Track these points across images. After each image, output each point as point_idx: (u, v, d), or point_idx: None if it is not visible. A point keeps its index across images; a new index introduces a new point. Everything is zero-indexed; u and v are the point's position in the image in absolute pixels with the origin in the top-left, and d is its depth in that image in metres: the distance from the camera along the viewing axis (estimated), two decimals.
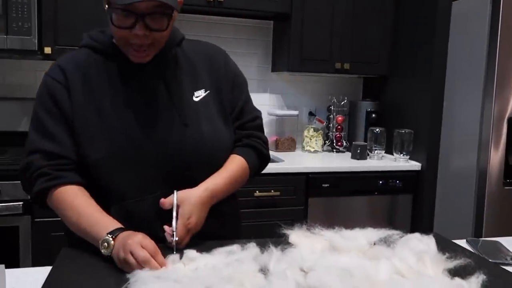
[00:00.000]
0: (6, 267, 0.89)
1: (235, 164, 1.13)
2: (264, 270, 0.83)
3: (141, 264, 0.84)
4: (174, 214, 0.98)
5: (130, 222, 0.99)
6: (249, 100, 1.22)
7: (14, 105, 2.49)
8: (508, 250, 1.10)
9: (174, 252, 0.93)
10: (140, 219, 1.03)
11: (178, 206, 1.00)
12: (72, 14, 2.29)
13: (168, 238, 0.97)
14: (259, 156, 1.19)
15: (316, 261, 0.86)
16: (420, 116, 2.62)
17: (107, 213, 1.00)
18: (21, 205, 1.99)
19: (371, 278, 0.80)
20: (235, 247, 0.90)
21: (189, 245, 0.95)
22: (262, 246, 0.92)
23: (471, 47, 2.36)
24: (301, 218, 2.39)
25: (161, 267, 0.85)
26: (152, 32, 0.98)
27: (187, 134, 1.06)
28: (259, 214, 2.33)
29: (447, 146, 2.54)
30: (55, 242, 1.83)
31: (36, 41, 2.19)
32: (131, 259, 0.85)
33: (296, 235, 0.97)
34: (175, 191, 1.01)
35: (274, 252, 0.89)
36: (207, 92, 1.13)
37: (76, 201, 1.01)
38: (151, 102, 1.06)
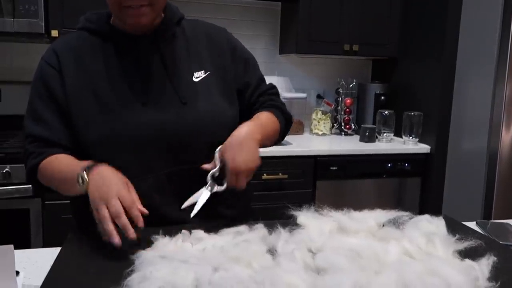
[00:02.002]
0: (17, 249, 0.90)
1: (264, 115, 1.13)
2: (272, 251, 0.83)
3: (112, 217, 0.83)
4: (218, 165, 0.98)
5: None
6: (262, 76, 1.22)
7: (22, 89, 2.50)
8: None
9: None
10: (140, 198, 1.01)
11: (221, 158, 0.98)
12: None
13: (212, 186, 0.97)
14: (283, 113, 1.19)
15: (325, 242, 0.85)
16: (429, 98, 2.58)
17: None
18: (31, 188, 2.01)
19: (379, 259, 0.80)
20: (242, 228, 0.90)
21: (196, 225, 0.95)
22: (270, 228, 0.92)
23: (484, 28, 2.32)
24: (309, 201, 2.39)
25: (137, 221, 0.84)
26: None
27: (185, 112, 1.05)
28: (267, 197, 2.33)
29: (457, 129, 2.51)
30: (66, 224, 1.84)
31: (43, 24, 2.18)
32: (103, 211, 0.84)
33: (304, 216, 0.97)
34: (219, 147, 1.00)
35: (282, 233, 0.89)
36: (207, 73, 1.11)
37: (56, 161, 1.02)
38: (148, 82, 1.06)
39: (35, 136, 1.05)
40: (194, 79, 1.09)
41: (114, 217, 0.83)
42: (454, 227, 0.98)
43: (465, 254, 0.85)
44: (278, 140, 1.20)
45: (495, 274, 0.78)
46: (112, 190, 0.86)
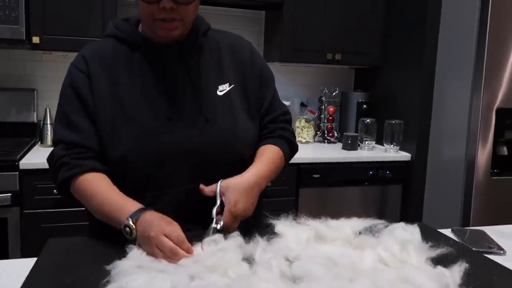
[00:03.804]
0: None
1: (272, 152, 1.13)
2: (249, 260, 0.84)
3: (169, 257, 0.85)
4: (218, 201, 0.98)
5: None
6: (276, 94, 1.23)
7: (4, 95, 2.47)
8: (492, 239, 1.11)
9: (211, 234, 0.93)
10: (161, 211, 0.99)
11: (222, 195, 0.99)
12: (61, 3, 2.26)
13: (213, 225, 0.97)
14: (290, 146, 1.20)
15: (301, 251, 0.86)
16: (410, 107, 2.63)
17: None
18: (9, 197, 1.98)
19: (355, 267, 0.81)
20: (217, 237, 0.91)
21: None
22: (248, 236, 0.93)
23: (461, 38, 2.37)
24: (292, 208, 2.40)
25: (189, 253, 0.85)
26: (179, 6, 0.98)
27: (209, 129, 1.05)
28: None
29: (437, 137, 2.56)
30: (44, 234, 1.82)
31: (24, 30, 2.16)
32: (158, 254, 0.85)
33: (282, 225, 0.97)
34: (220, 180, 1.01)
35: (260, 242, 0.90)
36: (231, 86, 1.12)
37: (98, 188, 1.01)
38: (173, 94, 1.06)
39: (66, 142, 1.04)
40: (218, 93, 1.10)
41: (171, 255, 0.85)
42: (429, 235, 0.99)
43: (437, 261, 0.87)
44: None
45: (467, 280, 0.79)
46: (158, 233, 0.87)
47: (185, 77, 1.07)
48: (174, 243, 0.85)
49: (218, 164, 1.06)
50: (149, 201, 1.01)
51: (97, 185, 1.01)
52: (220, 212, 0.98)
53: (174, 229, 0.88)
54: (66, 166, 1.03)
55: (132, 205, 0.95)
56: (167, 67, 1.07)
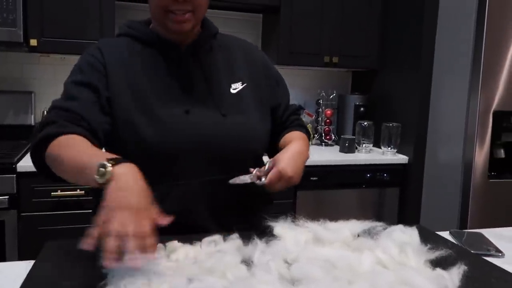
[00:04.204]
0: None
1: (300, 134, 1.20)
2: (247, 262, 0.84)
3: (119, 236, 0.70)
4: (267, 166, 1.02)
5: (162, 202, 0.98)
6: (288, 93, 1.30)
7: (0, 98, 2.46)
8: (490, 242, 1.11)
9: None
10: (170, 202, 1.01)
11: (270, 167, 1.01)
12: (58, 6, 2.26)
13: (254, 178, 0.99)
14: (307, 133, 1.26)
15: (300, 253, 0.86)
16: (407, 110, 2.63)
17: None
18: (6, 199, 1.98)
19: (353, 269, 0.81)
20: (217, 238, 0.90)
21: (171, 236, 0.94)
22: (247, 238, 0.93)
23: (458, 41, 2.38)
24: (289, 211, 2.40)
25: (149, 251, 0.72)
26: None
27: (224, 125, 1.07)
28: None
29: (434, 140, 2.56)
30: (41, 237, 1.82)
31: (22, 33, 2.16)
32: (114, 224, 0.71)
33: (280, 227, 0.97)
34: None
35: (258, 244, 0.89)
36: (244, 85, 1.14)
37: (79, 143, 0.90)
38: (189, 91, 1.07)
39: (61, 108, 0.97)
40: (232, 91, 1.12)
41: (121, 236, 0.70)
42: (427, 237, 0.99)
43: (436, 263, 0.87)
44: None
45: (466, 283, 0.79)
46: (132, 201, 0.74)
47: (199, 74, 1.09)
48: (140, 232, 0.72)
49: (232, 159, 1.07)
50: (162, 192, 1.00)
51: (78, 141, 0.91)
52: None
53: (148, 218, 0.75)
54: (54, 124, 0.94)
55: (113, 154, 0.85)
56: (181, 64, 1.08)
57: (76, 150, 0.90)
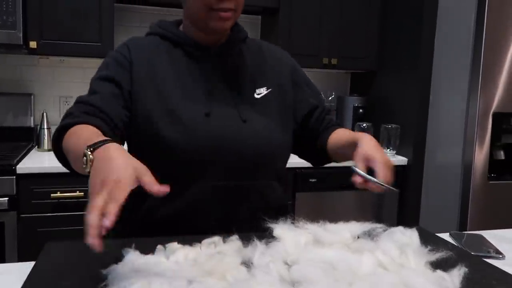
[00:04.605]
0: None
1: (346, 130, 1.20)
2: (247, 264, 0.83)
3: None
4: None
5: (172, 202, 1.00)
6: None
7: (1, 99, 2.46)
8: (490, 243, 1.11)
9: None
10: (180, 205, 1.02)
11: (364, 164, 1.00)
12: (58, 8, 2.26)
13: (376, 189, 0.98)
14: None
15: (300, 255, 0.86)
16: (406, 111, 2.64)
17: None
18: (6, 201, 1.98)
19: (354, 271, 0.81)
20: (217, 239, 0.90)
21: (172, 237, 0.94)
22: (246, 240, 0.92)
23: (457, 42, 2.39)
24: (289, 213, 2.40)
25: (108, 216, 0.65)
26: None
27: (244, 131, 1.06)
28: None
29: (433, 141, 2.57)
30: (41, 238, 1.82)
31: (21, 35, 2.16)
32: (94, 201, 0.66)
33: (280, 228, 0.97)
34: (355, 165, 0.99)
35: (258, 246, 0.89)
36: (269, 90, 1.14)
37: (82, 131, 0.89)
38: (211, 94, 1.07)
39: (82, 101, 1.00)
40: (256, 95, 1.12)
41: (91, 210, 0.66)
42: (427, 239, 0.99)
43: (437, 265, 0.87)
44: None
45: (466, 285, 0.79)
46: (111, 175, 0.70)
47: (223, 77, 1.09)
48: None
49: (249, 164, 1.07)
50: (175, 192, 0.95)
51: (83, 130, 0.90)
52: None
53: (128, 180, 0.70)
54: (70, 116, 0.97)
55: (98, 138, 0.81)
56: (206, 66, 1.09)
57: (76, 137, 0.88)
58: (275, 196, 1.14)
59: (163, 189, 0.71)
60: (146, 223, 1.06)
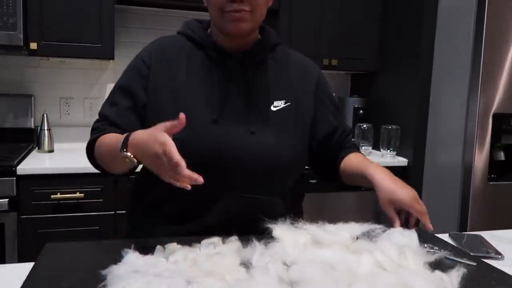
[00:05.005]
0: None
1: (362, 156, 1.21)
2: (246, 264, 0.84)
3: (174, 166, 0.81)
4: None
5: (175, 200, 1.04)
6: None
7: (0, 102, 2.47)
8: (490, 244, 1.11)
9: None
10: (184, 205, 1.04)
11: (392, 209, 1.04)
12: (58, 9, 2.27)
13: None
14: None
15: (299, 255, 0.86)
16: (407, 112, 2.64)
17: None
18: (6, 202, 1.98)
19: (352, 272, 0.81)
20: (216, 240, 0.91)
21: (171, 237, 0.95)
22: (245, 241, 0.93)
23: (457, 43, 2.39)
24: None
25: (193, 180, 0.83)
26: None
27: (250, 143, 1.04)
28: None
29: (433, 142, 2.57)
30: (41, 239, 1.82)
31: (22, 36, 2.17)
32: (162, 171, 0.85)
33: (279, 229, 0.97)
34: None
35: (257, 246, 0.89)
36: (287, 104, 1.11)
37: (108, 135, 1.04)
38: (224, 101, 1.05)
39: (105, 116, 1.09)
40: (272, 108, 1.09)
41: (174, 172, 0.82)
42: (426, 239, 1.00)
43: (435, 265, 0.87)
44: None
45: (465, 285, 0.80)
46: (151, 154, 0.85)
47: (240, 86, 1.07)
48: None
49: (250, 176, 1.05)
50: (177, 191, 0.96)
51: (107, 136, 1.05)
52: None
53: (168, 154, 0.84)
54: (95, 130, 1.09)
55: (119, 139, 0.95)
56: (225, 73, 1.07)
57: (105, 145, 1.03)
58: (275, 213, 1.09)
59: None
60: (152, 213, 1.10)
